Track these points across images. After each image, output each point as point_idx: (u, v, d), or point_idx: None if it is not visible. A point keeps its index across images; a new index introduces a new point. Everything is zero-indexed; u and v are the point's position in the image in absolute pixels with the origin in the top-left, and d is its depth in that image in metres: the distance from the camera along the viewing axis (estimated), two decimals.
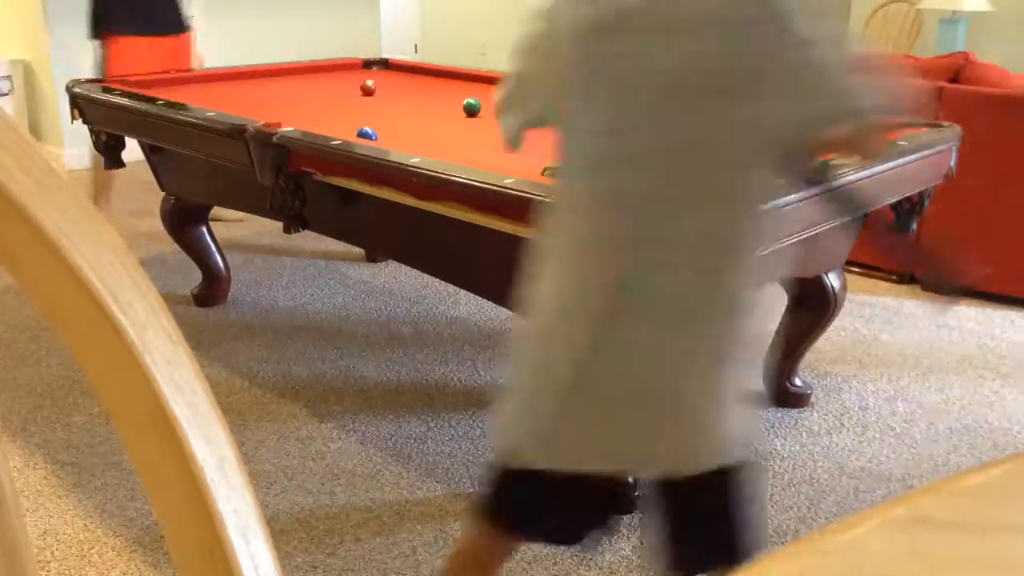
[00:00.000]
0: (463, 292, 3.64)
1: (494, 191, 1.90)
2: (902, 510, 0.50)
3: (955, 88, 3.51)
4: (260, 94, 3.24)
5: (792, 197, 1.87)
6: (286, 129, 2.42)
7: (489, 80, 3.55)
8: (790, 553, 0.46)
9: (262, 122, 2.48)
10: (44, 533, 2.13)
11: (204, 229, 3.41)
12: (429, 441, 2.54)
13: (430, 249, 2.41)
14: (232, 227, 4.28)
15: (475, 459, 2.45)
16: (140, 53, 3.84)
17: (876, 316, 3.44)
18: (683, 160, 1.20)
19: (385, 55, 4.36)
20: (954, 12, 6.40)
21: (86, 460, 2.43)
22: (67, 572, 2.00)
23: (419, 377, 2.93)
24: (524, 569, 2.01)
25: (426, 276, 3.82)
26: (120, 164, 3.24)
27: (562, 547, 1.96)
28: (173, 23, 4.00)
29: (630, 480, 1.86)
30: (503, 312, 3.43)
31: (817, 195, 1.76)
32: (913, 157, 2.27)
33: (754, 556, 1.33)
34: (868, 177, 2.10)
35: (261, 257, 4.09)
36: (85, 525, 2.16)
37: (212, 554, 0.42)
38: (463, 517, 2.19)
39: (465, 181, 1.96)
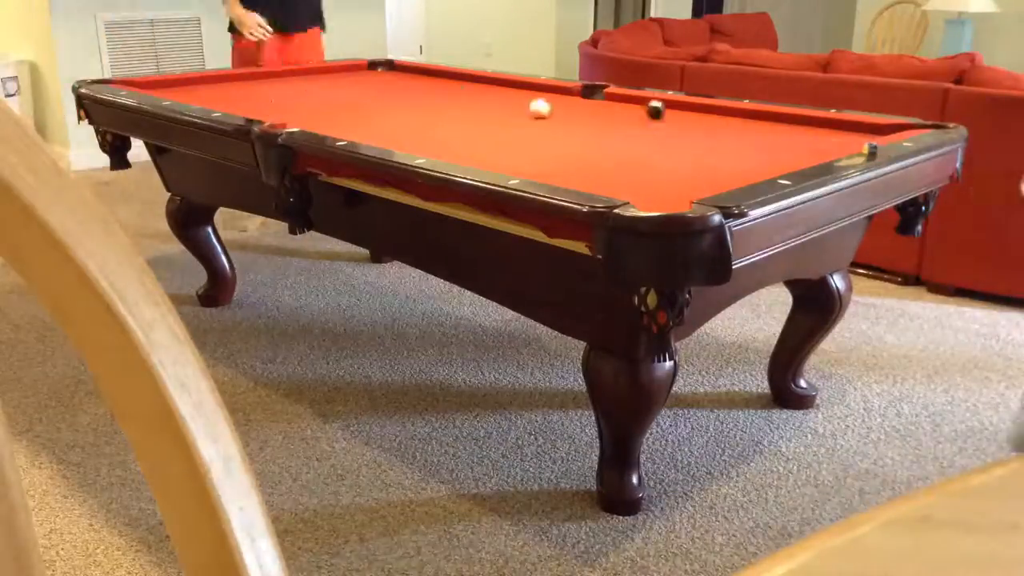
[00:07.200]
0: (467, 293, 3.65)
1: (499, 192, 1.90)
2: (905, 510, 0.50)
3: (961, 89, 3.50)
4: (266, 95, 3.25)
5: (799, 197, 1.88)
6: (291, 130, 2.43)
7: (494, 81, 3.55)
8: (791, 553, 0.47)
9: (267, 123, 2.48)
10: (50, 532, 2.14)
11: (210, 230, 3.42)
12: (433, 442, 2.54)
13: (435, 250, 2.41)
14: (238, 228, 4.29)
15: (479, 460, 2.45)
16: (266, 50, 4.04)
17: (881, 318, 3.44)
18: None
19: (390, 56, 4.37)
20: (960, 13, 6.39)
21: (92, 460, 2.44)
22: (72, 571, 2.01)
23: (424, 378, 2.93)
24: (528, 570, 2.01)
25: (431, 277, 3.83)
26: (126, 165, 3.25)
27: None
28: (302, 20, 4.17)
29: None
30: (507, 313, 3.43)
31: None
32: (918, 158, 2.26)
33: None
34: (873, 178, 2.10)
35: (266, 258, 4.09)
36: (91, 525, 2.17)
37: (218, 553, 0.42)
38: (468, 517, 2.19)
39: (470, 182, 1.95)
